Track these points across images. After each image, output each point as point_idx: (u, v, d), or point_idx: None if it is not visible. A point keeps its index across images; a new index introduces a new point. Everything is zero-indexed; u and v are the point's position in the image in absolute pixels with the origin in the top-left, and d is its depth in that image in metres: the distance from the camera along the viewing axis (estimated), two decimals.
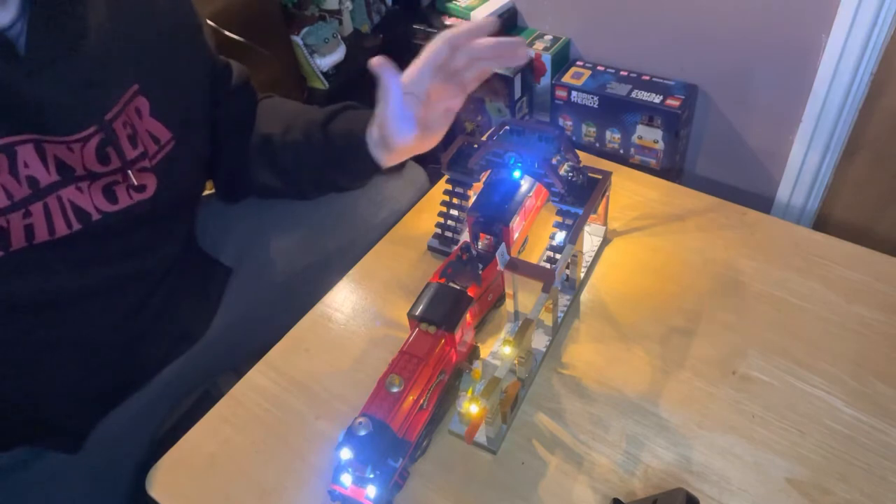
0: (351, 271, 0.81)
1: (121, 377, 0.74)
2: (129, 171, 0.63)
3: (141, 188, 0.65)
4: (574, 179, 0.70)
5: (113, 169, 0.62)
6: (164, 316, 0.75)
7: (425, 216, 0.85)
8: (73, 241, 0.61)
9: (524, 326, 0.60)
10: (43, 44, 0.56)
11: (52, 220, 0.59)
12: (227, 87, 0.76)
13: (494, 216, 0.71)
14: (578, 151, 0.74)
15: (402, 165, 0.74)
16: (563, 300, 0.73)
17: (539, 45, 1.46)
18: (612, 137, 1.41)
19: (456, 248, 0.70)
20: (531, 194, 0.75)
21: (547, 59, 1.45)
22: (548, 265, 0.68)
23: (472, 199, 0.76)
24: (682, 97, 1.30)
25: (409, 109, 0.62)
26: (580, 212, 0.68)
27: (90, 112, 0.60)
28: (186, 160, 0.70)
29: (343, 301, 0.78)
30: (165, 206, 0.69)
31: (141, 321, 0.73)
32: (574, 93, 1.38)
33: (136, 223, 0.67)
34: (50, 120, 0.57)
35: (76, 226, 0.61)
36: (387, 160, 0.71)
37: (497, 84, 1.47)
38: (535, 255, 0.79)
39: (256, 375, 0.71)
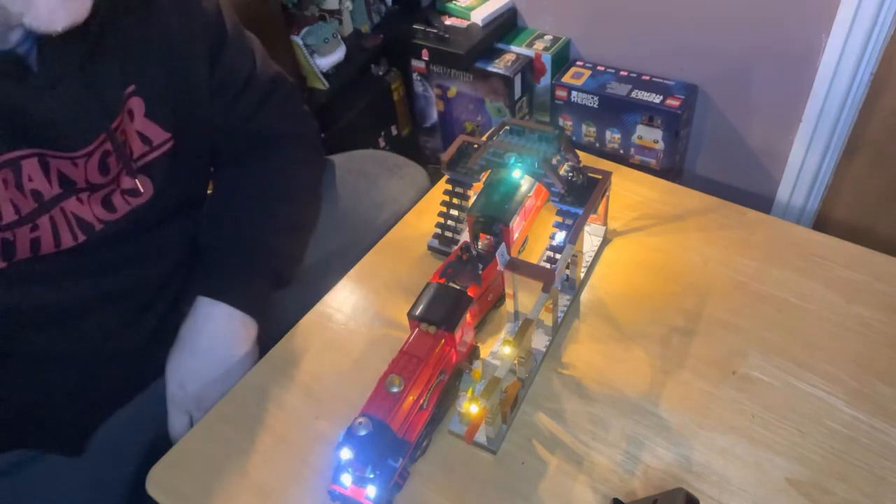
0: (351, 271, 0.81)
1: (123, 382, 0.74)
2: (119, 178, 0.63)
3: (134, 192, 0.65)
4: (574, 179, 0.70)
5: (111, 178, 0.62)
6: (167, 321, 0.75)
7: (425, 216, 0.85)
8: (77, 252, 0.61)
9: (524, 326, 0.60)
10: (55, 60, 0.55)
11: (58, 233, 0.59)
12: (235, 100, 0.75)
13: (494, 216, 0.71)
14: (578, 151, 0.74)
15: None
16: (563, 300, 0.73)
17: (539, 45, 1.46)
18: (612, 137, 1.41)
19: (456, 248, 0.70)
20: (531, 194, 0.75)
21: (547, 59, 1.45)
22: (548, 265, 0.68)
23: (472, 199, 0.76)
24: (682, 97, 1.30)
25: None
26: (580, 212, 0.68)
27: (99, 125, 0.59)
28: (186, 161, 0.70)
29: (343, 301, 0.78)
30: (165, 211, 0.69)
31: (144, 327, 0.73)
32: (574, 93, 1.38)
33: (137, 231, 0.66)
34: (58, 135, 0.57)
35: (81, 237, 0.61)
36: None
37: (497, 84, 1.47)
38: (535, 255, 0.79)
39: (256, 375, 0.71)
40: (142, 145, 0.65)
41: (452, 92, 1.56)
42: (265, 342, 0.74)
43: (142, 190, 0.65)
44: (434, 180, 0.91)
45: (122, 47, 0.61)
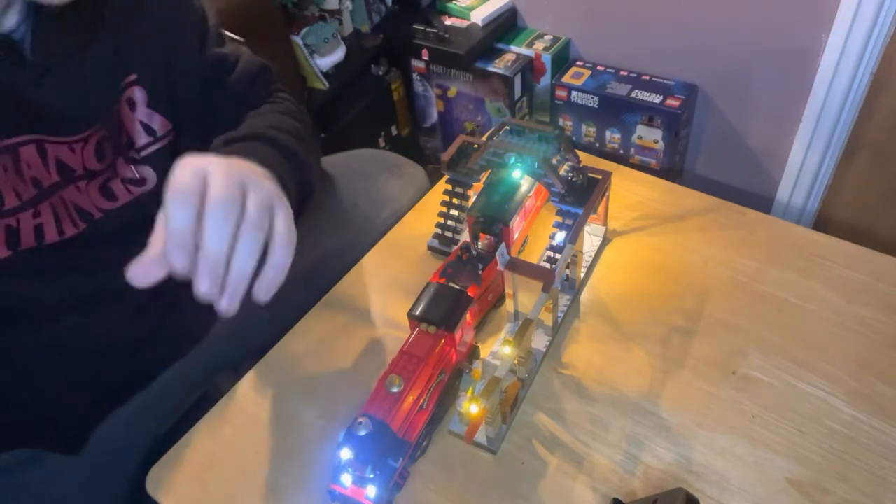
0: (351, 271, 0.81)
1: (123, 379, 0.74)
2: (117, 164, 0.63)
3: (137, 182, 0.65)
4: (574, 179, 0.70)
5: (107, 164, 0.62)
6: (167, 318, 0.75)
7: (425, 216, 0.85)
8: (80, 242, 0.61)
9: (524, 326, 0.60)
10: (49, 46, 0.55)
11: (60, 220, 0.59)
12: (225, 83, 0.75)
13: (494, 216, 0.71)
14: (578, 151, 0.74)
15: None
16: (563, 300, 0.73)
17: (539, 45, 1.46)
18: (612, 137, 1.41)
19: (456, 248, 0.70)
20: (531, 194, 0.75)
21: (547, 59, 1.45)
22: (548, 265, 0.68)
23: (472, 199, 0.76)
24: (682, 97, 1.30)
25: None
26: (580, 212, 0.68)
27: (94, 112, 0.60)
28: (186, 151, 0.70)
29: (343, 301, 0.78)
30: None
31: (144, 325, 0.73)
32: (574, 93, 1.38)
33: (137, 223, 0.66)
34: (54, 121, 0.57)
35: (81, 225, 0.61)
36: None
37: (497, 84, 1.47)
38: (535, 255, 0.79)
39: (256, 375, 0.71)
40: (146, 136, 0.65)
41: (452, 92, 1.56)
42: (265, 342, 0.74)
43: (137, 176, 0.65)
44: (434, 180, 0.91)
45: (117, 35, 0.61)
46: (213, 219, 0.46)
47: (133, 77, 0.63)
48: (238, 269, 0.47)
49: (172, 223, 0.45)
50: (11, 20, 0.54)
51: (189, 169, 0.47)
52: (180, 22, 0.68)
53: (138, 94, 0.64)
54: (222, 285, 0.47)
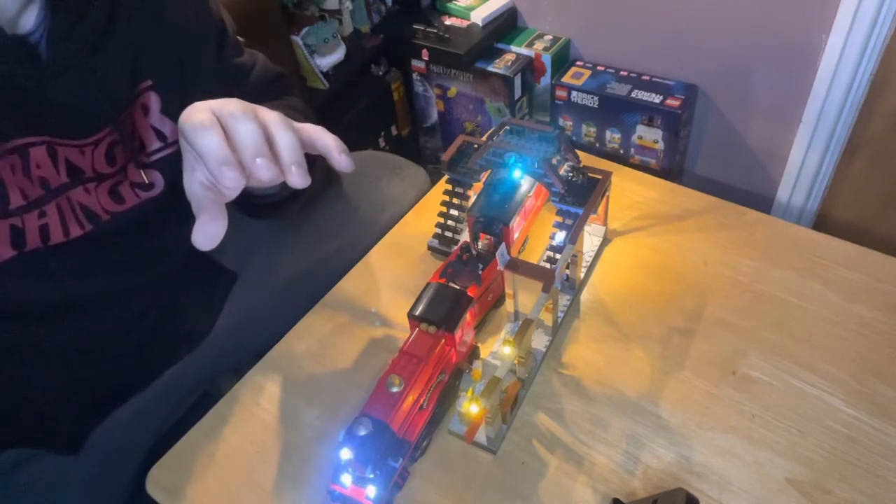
0: (351, 271, 0.81)
1: (123, 380, 0.74)
2: (128, 169, 0.63)
3: (145, 186, 0.65)
4: (574, 179, 0.70)
5: (118, 168, 0.62)
6: (168, 320, 0.75)
7: (425, 216, 0.85)
8: (85, 244, 0.61)
9: (524, 326, 0.60)
10: (63, 48, 0.55)
11: (65, 221, 0.59)
12: (240, 90, 0.75)
13: (494, 216, 0.71)
14: (578, 151, 0.74)
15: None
16: (563, 300, 0.73)
17: (539, 45, 1.46)
18: (612, 137, 1.41)
19: (456, 248, 0.70)
20: (531, 194, 0.75)
21: (547, 59, 1.45)
22: (548, 265, 0.68)
23: (472, 199, 0.76)
24: (682, 97, 1.30)
25: None
26: (580, 212, 0.68)
27: (105, 115, 0.60)
28: None
29: (343, 301, 0.78)
30: (173, 210, 0.69)
31: (145, 326, 0.73)
32: (574, 93, 1.38)
33: (143, 227, 0.66)
34: (65, 123, 0.57)
35: (88, 226, 0.61)
36: None
37: (497, 84, 1.47)
38: (535, 255, 0.79)
39: (256, 375, 0.71)
40: (157, 141, 0.65)
41: (452, 92, 1.56)
42: (265, 343, 0.74)
43: (146, 181, 0.65)
44: (434, 180, 0.91)
45: (134, 40, 0.61)
46: (236, 119, 0.46)
47: (148, 83, 0.63)
48: (284, 142, 0.47)
49: (207, 147, 0.45)
50: (30, 22, 0.54)
51: (194, 106, 0.47)
52: (199, 29, 0.68)
53: (153, 99, 0.64)
54: (281, 166, 0.47)
